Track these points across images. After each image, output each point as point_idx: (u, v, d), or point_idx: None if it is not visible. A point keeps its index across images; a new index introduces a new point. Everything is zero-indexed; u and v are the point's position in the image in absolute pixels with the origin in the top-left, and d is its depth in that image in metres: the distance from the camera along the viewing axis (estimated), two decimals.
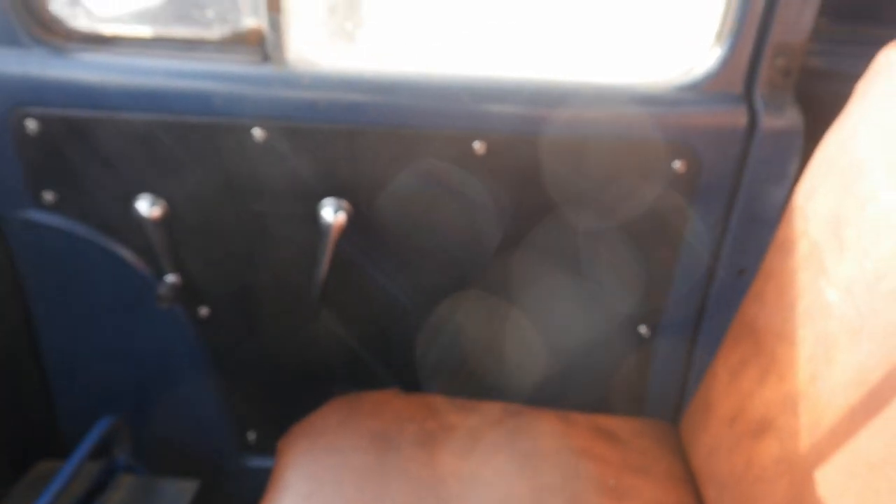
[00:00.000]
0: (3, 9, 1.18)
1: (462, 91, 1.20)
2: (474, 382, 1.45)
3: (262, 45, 1.21)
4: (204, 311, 1.42)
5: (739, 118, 1.20)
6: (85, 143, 1.24)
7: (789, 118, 1.20)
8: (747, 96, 1.21)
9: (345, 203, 1.27)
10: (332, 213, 1.26)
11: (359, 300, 1.39)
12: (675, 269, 1.34)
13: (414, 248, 1.32)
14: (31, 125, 1.22)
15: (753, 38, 1.18)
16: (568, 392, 1.46)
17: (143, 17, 1.23)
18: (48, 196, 1.30)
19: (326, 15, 1.47)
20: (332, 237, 1.26)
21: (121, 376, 1.50)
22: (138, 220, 1.29)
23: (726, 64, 1.20)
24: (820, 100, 1.21)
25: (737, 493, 1.05)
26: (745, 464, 1.05)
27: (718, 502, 1.09)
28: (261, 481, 1.58)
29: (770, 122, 1.20)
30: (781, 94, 1.21)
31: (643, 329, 1.40)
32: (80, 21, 1.22)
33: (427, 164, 1.24)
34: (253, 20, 1.21)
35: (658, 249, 1.32)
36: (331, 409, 1.30)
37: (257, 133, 1.21)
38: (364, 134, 1.21)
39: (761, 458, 1.02)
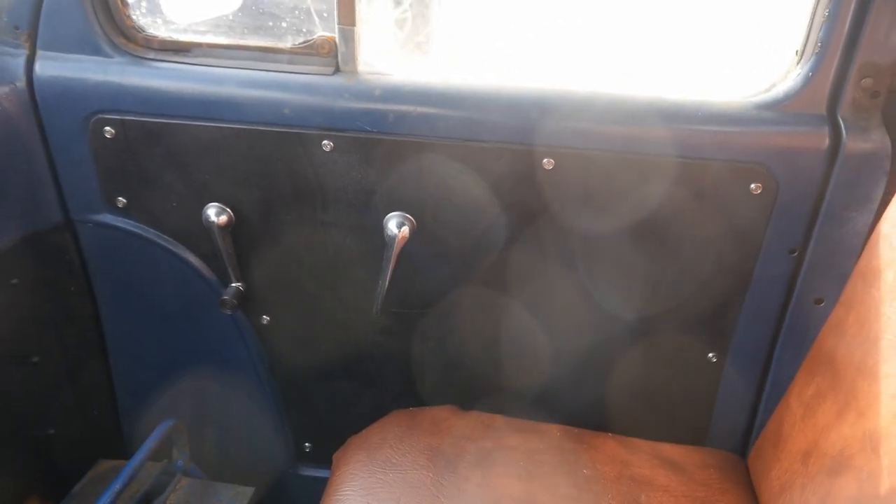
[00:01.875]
0: (86, 19, 1.22)
1: (532, 106, 1.18)
2: (533, 403, 1.42)
3: (333, 56, 1.21)
4: (265, 319, 1.43)
5: (821, 139, 1.15)
6: (158, 149, 1.26)
7: (875, 141, 1.15)
8: (831, 117, 1.16)
9: (409, 216, 1.27)
10: (396, 226, 1.25)
11: (419, 314, 1.38)
12: (748, 296, 1.29)
13: (478, 264, 1.31)
14: (109, 131, 1.25)
15: (839, 57, 1.13)
16: (629, 417, 1.41)
17: (218, 25, 1.25)
18: (121, 200, 1.33)
19: (396, 27, 1.47)
20: (396, 250, 1.26)
21: (182, 380, 1.52)
22: (206, 227, 1.30)
23: (809, 83, 1.15)
24: None
25: None
26: (820, 502, 1.00)
27: None
28: (315, 491, 1.58)
29: (854, 144, 1.14)
30: (867, 116, 1.16)
31: (712, 356, 1.35)
32: (158, 30, 1.25)
33: (495, 179, 1.22)
34: (325, 31, 1.22)
35: (730, 274, 1.27)
36: (388, 423, 1.29)
37: (326, 143, 1.22)
38: (433, 147, 1.20)
39: (837, 498, 0.96)
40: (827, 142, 1.15)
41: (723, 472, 1.22)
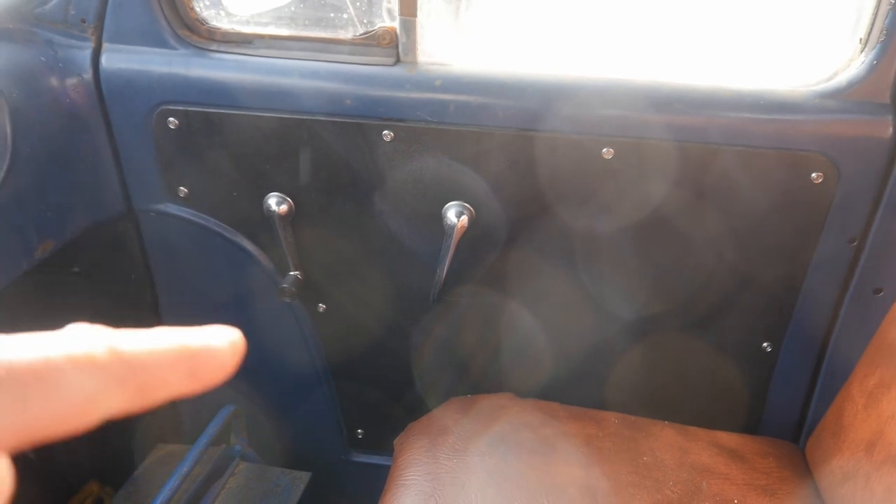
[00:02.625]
0: (151, 12, 1.23)
1: (592, 95, 1.19)
2: (589, 391, 1.43)
3: (394, 46, 1.22)
4: (321, 307, 1.45)
5: (885, 128, 1.15)
6: (221, 139, 1.28)
7: None
8: (894, 105, 1.15)
9: (468, 206, 1.28)
10: (455, 215, 1.27)
11: (475, 303, 1.39)
12: (805, 285, 1.28)
13: (535, 253, 1.32)
14: (173, 122, 1.27)
15: None
16: (683, 406, 1.42)
17: (280, 17, 1.27)
18: (182, 190, 1.35)
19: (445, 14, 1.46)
20: (454, 240, 1.27)
21: (239, 367, 1.55)
22: (267, 216, 1.32)
23: (873, 71, 1.14)
24: None
25: None
26: (886, 492, 1.00)
27: None
28: (367, 477, 1.61)
29: None
30: None
31: (766, 345, 1.35)
32: (221, 22, 1.27)
33: (554, 168, 1.23)
34: (386, 22, 1.23)
35: (787, 263, 1.27)
36: (447, 409, 1.31)
37: (387, 133, 1.23)
38: (492, 136, 1.21)
39: None
40: (890, 130, 1.15)
41: (781, 461, 1.23)
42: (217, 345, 0.31)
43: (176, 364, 0.29)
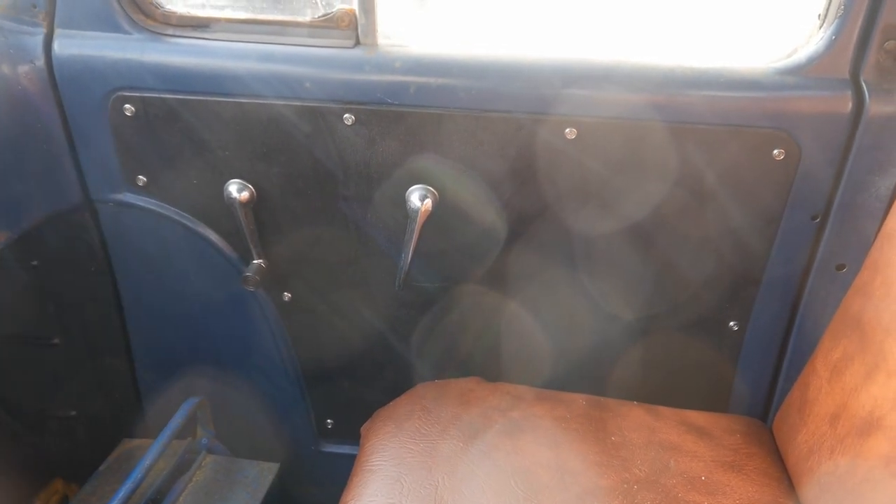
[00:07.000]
0: None
1: (554, 75, 1.18)
2: (558, 374, 1.42)
3: (353, 28, 1.20)
4: (287, 296, 1.43)
5: (844, 103, 1.15)
6: (179, 126, 1.26)
7: None
8: (854, 80, 1.16)
9: (432, 189, 1.26)
10: (418, 199, 1.25)
11: (441, 288, 1.38)
12: (769, 263, 1.29)
13: (500, 235, 1.31)
14: (129, 109, 1.25)
15: (862, 20, 1.13)
16: (652, 386, 1.42)
17: (237, 0, 1.25)
18: (141, 179, 1.32)
19: None
20: (418, 224, 1.26)
21: (204, 358, 1.53)
22: (227, 203, 1.30)
23: (832, 47, 1.15)
24: None
25: (839, 494, 1.01)
26: (850, 463, 1.00)
27: (818, 502, 1.05)
28: (337, 467, 1.60)
29: (877, 107, 1.14)
30: (890, 79, 1.15)
31: (733, 324, 1.35)
32: (176, 5, 1.24)
33: (518, 149, 1.22)
34: (345, 4, 1.21)
35: (752, 242, 1.27)
36: (415, 395, 1.30)
37: (348, 117, 1.21)
38: (454, 118, 1.20)
39: (868, 457, 0.97)
40: (850, 106, 1.15)
41: (748, 437, 1.23)
42: None
43: None
